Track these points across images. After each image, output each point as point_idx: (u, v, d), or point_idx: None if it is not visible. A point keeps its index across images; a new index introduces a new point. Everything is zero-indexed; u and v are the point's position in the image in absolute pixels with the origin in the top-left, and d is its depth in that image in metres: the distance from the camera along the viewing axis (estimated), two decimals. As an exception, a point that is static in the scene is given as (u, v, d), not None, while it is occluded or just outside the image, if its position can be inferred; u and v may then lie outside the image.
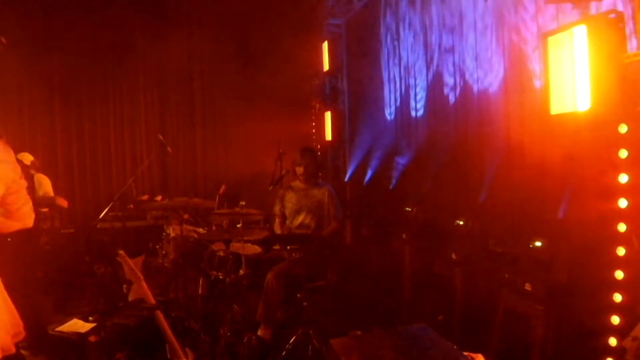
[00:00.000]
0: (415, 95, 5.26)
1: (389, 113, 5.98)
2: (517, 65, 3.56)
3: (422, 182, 4.92)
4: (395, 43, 5.69)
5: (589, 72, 2.28)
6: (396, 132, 5.78)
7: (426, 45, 4.99)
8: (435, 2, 4.77)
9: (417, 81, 5.22)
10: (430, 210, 4.58)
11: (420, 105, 5.19)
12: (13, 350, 1.99)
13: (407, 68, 5.45)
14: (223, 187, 4.88)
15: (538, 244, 2.91)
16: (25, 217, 2.04)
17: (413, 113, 5.32)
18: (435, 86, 4.86)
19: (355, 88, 7.03)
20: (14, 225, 2.03)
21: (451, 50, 4.55)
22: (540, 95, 2.61)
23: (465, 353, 2.29)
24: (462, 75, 4.38)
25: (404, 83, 5.52)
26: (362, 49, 6.65)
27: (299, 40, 6.60)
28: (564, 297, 2.57)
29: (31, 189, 5.43)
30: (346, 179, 6.96)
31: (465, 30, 4.31)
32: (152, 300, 2.78)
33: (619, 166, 2.17)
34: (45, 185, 5.47)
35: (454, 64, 4.52)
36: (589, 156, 2.38)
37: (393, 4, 5.71)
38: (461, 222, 3.84)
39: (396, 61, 5.72)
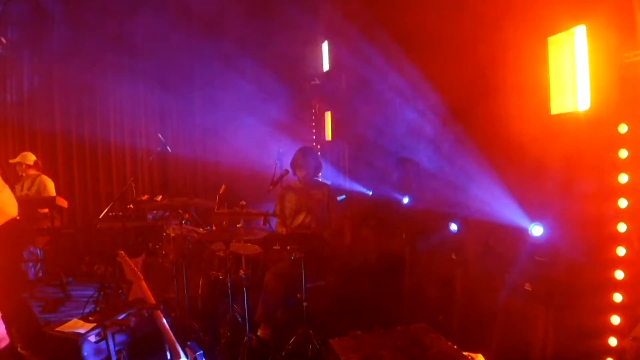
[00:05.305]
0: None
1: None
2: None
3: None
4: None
5: (589, 72, 2.28)
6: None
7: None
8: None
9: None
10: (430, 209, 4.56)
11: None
12: None
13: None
14: (223, 187, 4.85)
15: (537, 243, 2.91)
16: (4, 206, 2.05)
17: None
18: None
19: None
20: None
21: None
22: (541, 95, 2.60)
23: (465, 353, 2.29)
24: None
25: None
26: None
27: (299, 40, 6.59)
28: (564, 297, 2.57)
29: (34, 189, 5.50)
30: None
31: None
32: (152, 300, 2.78)
33: (619, 166, 2.17)
34: (49, 187, 5.60)
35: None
36: (589, 156, 2.38)
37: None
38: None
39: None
